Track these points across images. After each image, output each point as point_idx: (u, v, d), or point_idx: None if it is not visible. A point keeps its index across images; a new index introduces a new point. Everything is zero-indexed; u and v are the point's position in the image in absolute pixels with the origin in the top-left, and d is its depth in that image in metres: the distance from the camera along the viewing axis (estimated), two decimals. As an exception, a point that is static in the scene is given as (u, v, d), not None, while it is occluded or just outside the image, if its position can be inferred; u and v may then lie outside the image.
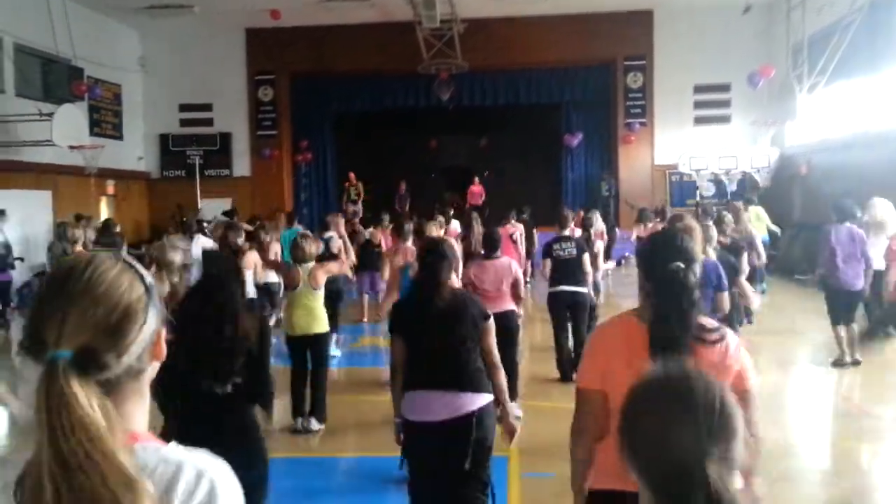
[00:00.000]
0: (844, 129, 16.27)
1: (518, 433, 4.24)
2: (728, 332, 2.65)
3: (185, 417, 3.64)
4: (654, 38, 21.19)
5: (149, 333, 1.31)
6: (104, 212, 19.43)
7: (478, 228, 11.62)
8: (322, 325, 7.17)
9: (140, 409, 1.34)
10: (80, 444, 1.13)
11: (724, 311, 5.53)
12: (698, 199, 19.59)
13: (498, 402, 4.11)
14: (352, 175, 22.46)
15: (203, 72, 21.46)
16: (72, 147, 16.00)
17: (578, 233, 10.16)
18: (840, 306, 8.75)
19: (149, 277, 1.35)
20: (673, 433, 1.36)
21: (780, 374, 8.92)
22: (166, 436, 1.57)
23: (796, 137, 19.03)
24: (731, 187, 19.33)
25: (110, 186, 19.93)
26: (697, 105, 21.35)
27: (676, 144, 20.58)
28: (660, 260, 2.65)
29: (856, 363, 8.79)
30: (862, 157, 14.89)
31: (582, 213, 13.84)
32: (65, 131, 15.69)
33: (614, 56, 21.47)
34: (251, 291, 8.58)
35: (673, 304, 2.55)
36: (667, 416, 1.39)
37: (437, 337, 4.05)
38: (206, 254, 9.62)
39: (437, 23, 18.28)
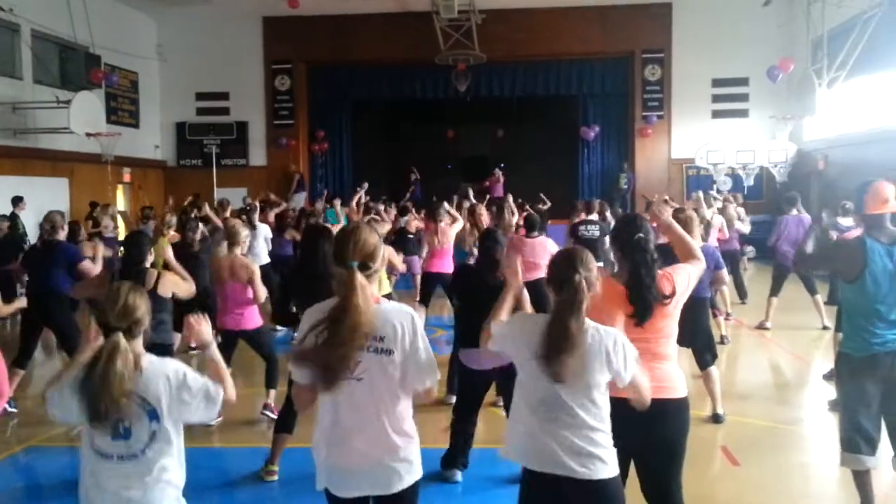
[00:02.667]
0: (863, 124, 16.11)
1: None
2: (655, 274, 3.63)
3: None
4: (673, 31, 21.04)
5: (381, 256, 3.04)
6: (120, 200, 19.54)
7: (508, 217, 11.70)
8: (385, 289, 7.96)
9: (376, 287, 3.10)
10: (357, 297, 2.85)
11: (723, 283, 7.43)
12: (715, 193, 19.46)
13: None
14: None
15: (220, 60, 21.49)
16: (89, 134, 16.10)
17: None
18: (781, 282, 10.75)
19: (379, 236, 3.15)
20: (566, 265, 3.13)
21: (776, 363, 8.97)
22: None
23: (815, 132, 18.86)
24: (748, 182, 19.19)
25: (127, 174, 20.02)
26: (715, 99, 21.20)
27: (694, 138, 20.44)
28: (627, 234, 3.64)
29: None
30: (881, 152, 14.74)
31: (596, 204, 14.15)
32: (82, 119, 15.78)
33: (632, 48, 21.34)
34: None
35: (641, 263, 3.54)
36: (565, 260, 3.18)
37: (485, 306, 4.78)
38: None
39: (455, 13, 18.24)
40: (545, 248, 8.20)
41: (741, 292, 12.78)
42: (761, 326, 10.82)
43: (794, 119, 18.40)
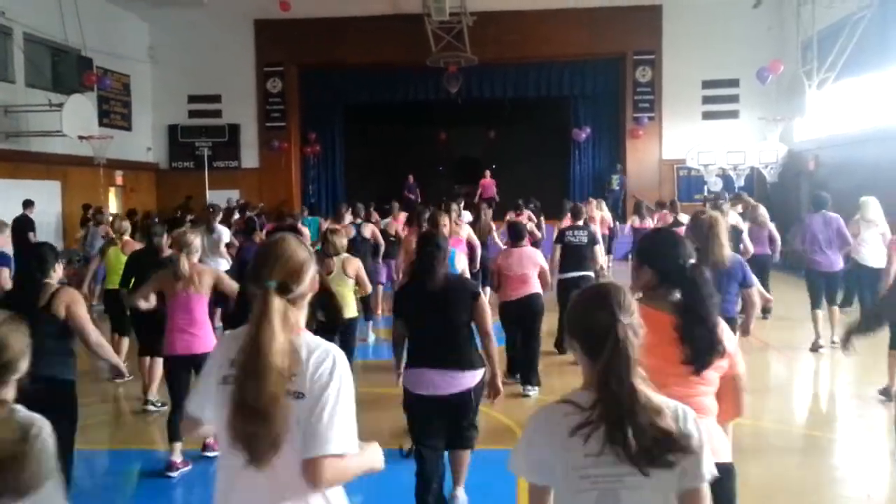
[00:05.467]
0: (853, 125, 16.22)
1: (502, 394, 4.95)
2: (718, 320, 2.82)
3: None
4: (663, 33, 21.16)
5: (310, 276, 2.42)
6: (113, 202, 19.51)
7: (485, 219, 11.61)
8: (351, 310, 7.37)
9: (301, 316, 2.42)
10: (269, 329, 2.22)
11: (756, 305, 5.51)
12: (706, 193, 19.61)
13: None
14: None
15: (212, 63, 21.49)
16: (81, 137, 16.09)
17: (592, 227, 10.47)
18: (819, 289, 9.38)
19: (310, 252, 2.47)
20: (597, 312, 2.13)
21: (786, 366, 8.96)
22: None
23: (805, 133, 18.98)
24: (739, 182, 19.31)
25: (119, 177, 19.99)
26: (706, 100, 21.33)
27: (684, 139, 20.57)
28: (671, 256, 2.87)
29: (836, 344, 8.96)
30: (870, 153, 14.86)
31: (593, 203, 14.24)
32: (74, 122, 15.77)
33: (623, 50, 21.44)
34: None
35: (698, 299, 2.76)
36: (595, 304, 2.16)
37: (434, 320, 4.66)
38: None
39: (447, 16, 18.31)
40: (532, 258, 7.96)
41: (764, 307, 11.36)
42: (815, 348, 9.35)
43: (785, 120, 18.52)
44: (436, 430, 4.67)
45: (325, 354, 2.29)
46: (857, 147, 15.64)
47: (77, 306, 4.77)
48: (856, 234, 9.36)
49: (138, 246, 8.76)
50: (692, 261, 2.85)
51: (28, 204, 14.54)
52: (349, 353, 7.45)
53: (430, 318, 4.64)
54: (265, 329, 2.22)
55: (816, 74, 16.59)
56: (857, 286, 10.26)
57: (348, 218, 11.79)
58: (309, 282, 2.41)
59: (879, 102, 15.14)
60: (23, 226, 13.83)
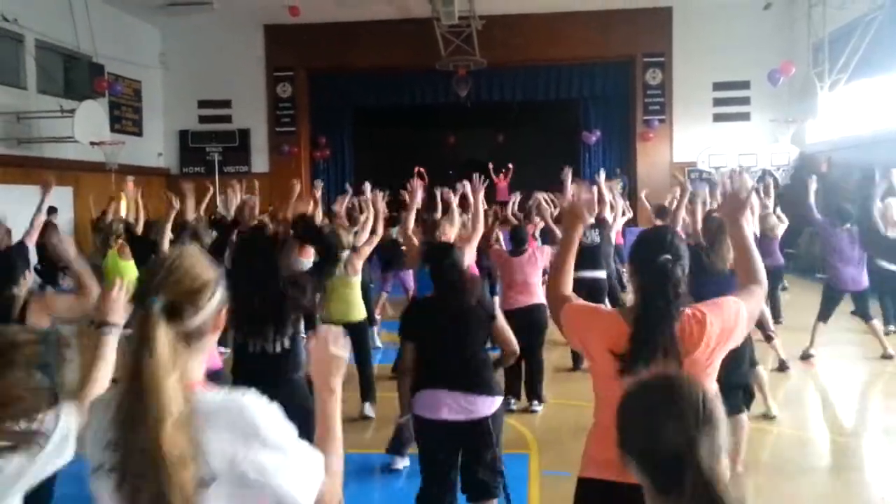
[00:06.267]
0: (865, 127, 16.15)
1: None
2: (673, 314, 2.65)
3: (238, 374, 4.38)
4: (674, 35, 21.09)
5: (215, 303, 1.81)
6: (124, 208, 19.54)
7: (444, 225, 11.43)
8: (360, 312, 7.22)
9: (199, 364, 1.80)
10: (153, 369, 1.60)
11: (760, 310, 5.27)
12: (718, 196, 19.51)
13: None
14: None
15: (222, 68, 21.54)
16: (93, 143, 16.17)
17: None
18: (835, 305, 9.20)
19: (216, 272, 1.84)
20: (664, 425, 1.56)
21: (801, 370, 8.92)
22: None
23: (817, 135, 18.90)
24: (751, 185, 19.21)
25: (130, 182, 20.02)
26: (717, 102, 21.23)
27: (695, 142, 20.50)
28: (647, 253, 2.73)
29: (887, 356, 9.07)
30: (883, 155, 14.76)
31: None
32: (86, 128, 15.85)
33: (633, 53, 21.38)
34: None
35: (659, 295, 2.62)
36: (658, 411, 1.59)
37: (451, 342, 4.27)
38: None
39: (456, 19, 18.28)
40: (535, 264, 7.53)
41: (775, 313, 10.72)
42: (806, 356, 9.21)
43: (796, 122, 18.44)
44: (447, 464, 4.23)
45: (232, 413, 1.66)
46: (869, 149, 15.55)
47: (50, 302, 4.44)
48: None
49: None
50: (668, 256, 2.65)
51: (52, 210, 14.59)
52: (365, 358, 7.37)
53: (446, 340, 4.26)
54: (149, 369, 1.60)
55: (828, 76, 16.53)
56: (877, 290, 9.97)
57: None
58: (211, 314, 1.79)
59: (892, 104, 15.06)
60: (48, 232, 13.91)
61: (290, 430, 1.74)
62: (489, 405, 4.20)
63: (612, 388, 2.22)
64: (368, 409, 7.23)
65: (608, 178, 21.20)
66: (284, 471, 1.68)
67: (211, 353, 5.63)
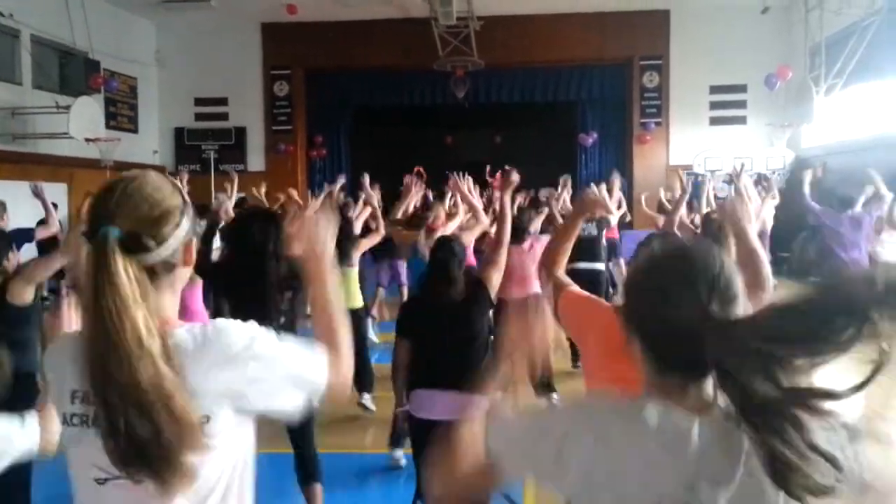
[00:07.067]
0: (861, 131, 16.15)
1: None
2: None
3: None
4: (671, 38, 21.09)
5: (182, 234, 1.62)
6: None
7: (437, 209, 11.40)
8: (357, 300, 7.18)
9: (172, 301, 1.65)
10: (114, 303, 1.42)
11: None
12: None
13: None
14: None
15: (219, 66, 21.50)
16: (88, 140, 16.11)
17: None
18: None
19: (185, 195, 1.68)
20: (673, 293, 1.41)
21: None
22: None
23: (812, 140, 18.91)
24: (746, 188, 19.22)
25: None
26: (713, 106, 21.22)
27: (692, 145, 20.50)
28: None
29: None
30: (879, 159, 14.75)
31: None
32: (81, 124, 15.78)
33: (630, 55, 21.38)
34: None
35: None
36: (668, 278, 1.44)
37: (450, 337, 4.21)
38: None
39: (454, 20, 18.26)
40: (534, 255, 7.39)
41: None
42: None
43: (792, 126, 18.45)
44: None
45: (207, 335, 1.57)
46: (865, 154, 15.54)
47: (29, 274, 4.36)
48: (878, 231, 9.20)
49: None
50: None
51: (53, 206, 14.69)
52: (361, 346, 7.29)
53: (445, 335, 4.19)
54: (110, 302, 1.43)
55: (825, 80, 16.54)
56: None
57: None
58: (180, 244, 1.62)
59: (888, 109, 15.07)
60: None
61: (274, 336, 1.64)
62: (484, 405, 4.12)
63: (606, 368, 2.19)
64: (367, 400, 7.14)
65: (609, 179, 21.42)
66: (285, 375, 1.62)
67: (199, 313, 5.66)
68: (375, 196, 7.98)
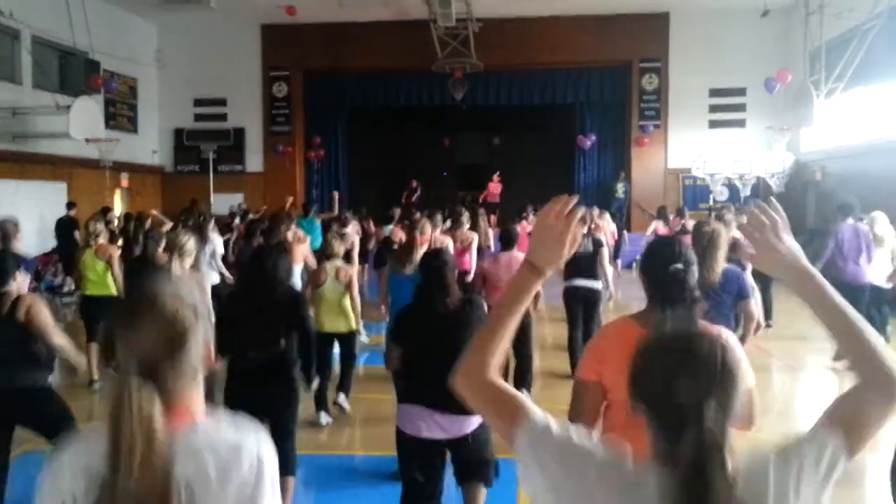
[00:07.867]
0: (861, 136, 16.18)
1: None
2: (726, 332, 2.71)
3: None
4: (670, 41, 21.12)
5: (196, 349, 1.68)
6: (118, 205, 19.51)
7: (484, 226, 11.43)
8: (350, 323, 7.20)
9: (198, 396, 1.70)
10: (135, 433, 1.51)
11: (753, 318, 5.07)
12: (711, 203, 19.55)
13: None
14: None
15: (218, 67, 21.51)
16: (87, 140, 16.09)
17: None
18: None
19: (197, 303, 1.71)
20: (675, 380, 1.51)
21: (789, 378, 8.91)
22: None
23: (812, 143, 18.93)
24: (745, 192, 19.25)
25: (125, 180, 20.00)
26: (712, 109, 21.26)
27: (690, 148, 20.51)
28: (659, 263, 2.86)
29: None
30: (878, 164, 14.82)
31: (596, 211, 13.90)
32: (81, 124, 15.77)
33: (630, 58, 21.40)
34: (298, 284, 8.42)
35: (674, 302, 2.74)
36: (671, 366, 1.53)
37: (441, 349, 4.04)
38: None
39: (453, 21, 18.28)
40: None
41: (767, 314, 10.28)
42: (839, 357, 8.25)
43: (792, 130, 18.45)
44: (425, 476, 4.13)
45: (228, 451, 1.62)
46: (864, 157, 15.60)
47: (37, 309, 4.58)
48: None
49: (113, 249, 8.61)
50: (677, 265, 2.81)
51: (71, 205, 15.25)
52: (351, 366, 7.41)
53: (436, 347, 3.92)
54: (128, 428, 1.52)
55: (824, 84, 16.56)
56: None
57: (353, 226, 11.54)
58: (196, 356, 1.69)
59: (888, 113, 15.09)
60: (68, 226, 14.70)
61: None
62: (468, 424, 4.03)
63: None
64: (342, 399, 7.21)
65: (612, 182, 21.35)
66: None
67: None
68: (355, 226, 8.01)
